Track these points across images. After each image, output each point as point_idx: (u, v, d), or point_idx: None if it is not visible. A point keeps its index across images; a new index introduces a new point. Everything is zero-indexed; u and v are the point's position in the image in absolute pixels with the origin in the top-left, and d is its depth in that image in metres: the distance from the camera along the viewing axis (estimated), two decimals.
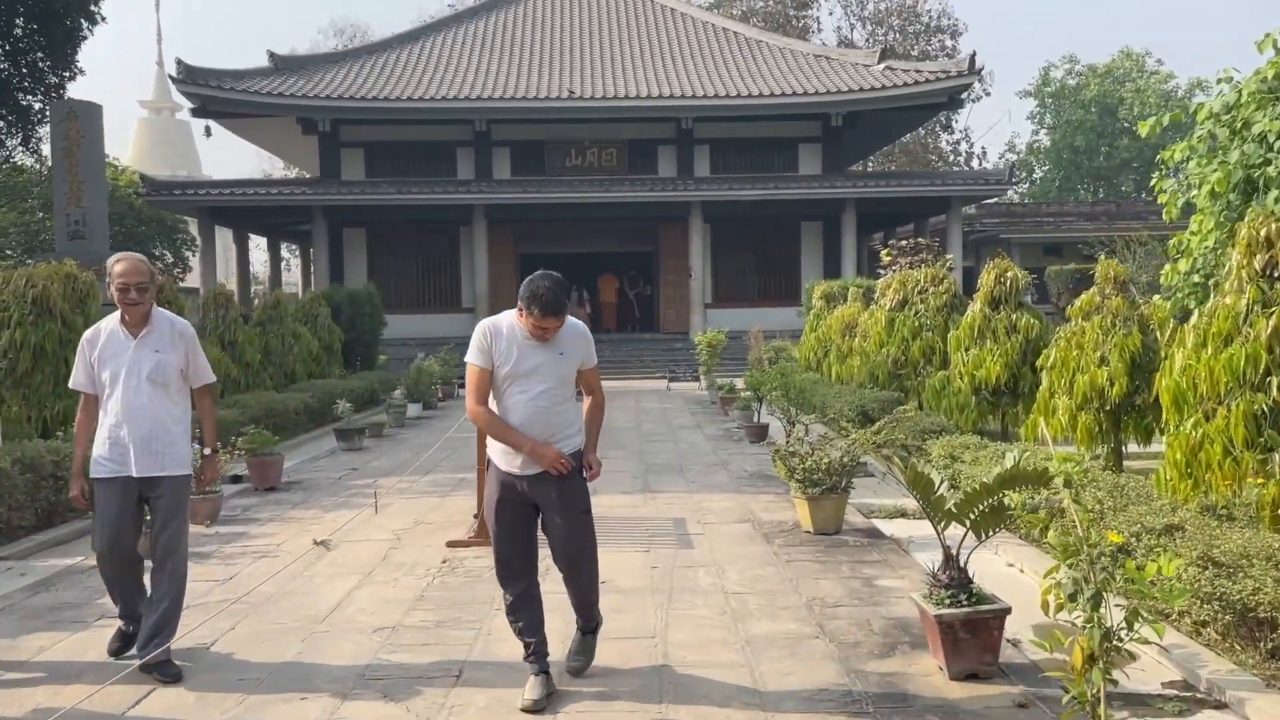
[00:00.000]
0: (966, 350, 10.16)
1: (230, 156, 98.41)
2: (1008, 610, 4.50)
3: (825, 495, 7.34)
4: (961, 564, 4.58)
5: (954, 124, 51.41)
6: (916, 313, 12.50)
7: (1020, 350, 9.80)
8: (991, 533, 4.57)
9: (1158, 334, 8.00)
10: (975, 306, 10.36)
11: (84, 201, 17.16)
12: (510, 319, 4.34)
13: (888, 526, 7.65)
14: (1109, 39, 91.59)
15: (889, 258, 22.76)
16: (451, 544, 7.14)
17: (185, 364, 4.82)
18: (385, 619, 5.50)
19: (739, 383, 18.75)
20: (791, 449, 7.64)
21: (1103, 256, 8.83)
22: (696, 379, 21.50)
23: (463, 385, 19.60)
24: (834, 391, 13.36)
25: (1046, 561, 6.06)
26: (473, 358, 4.30)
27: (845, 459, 7.41)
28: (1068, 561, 3.39)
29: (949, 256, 22.08)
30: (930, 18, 51.98)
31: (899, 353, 12.43)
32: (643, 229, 29.41)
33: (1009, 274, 10.34)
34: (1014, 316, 10.03)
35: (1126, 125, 50.00)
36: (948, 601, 4.47)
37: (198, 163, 72.15)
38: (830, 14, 51.15)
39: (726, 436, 13.24)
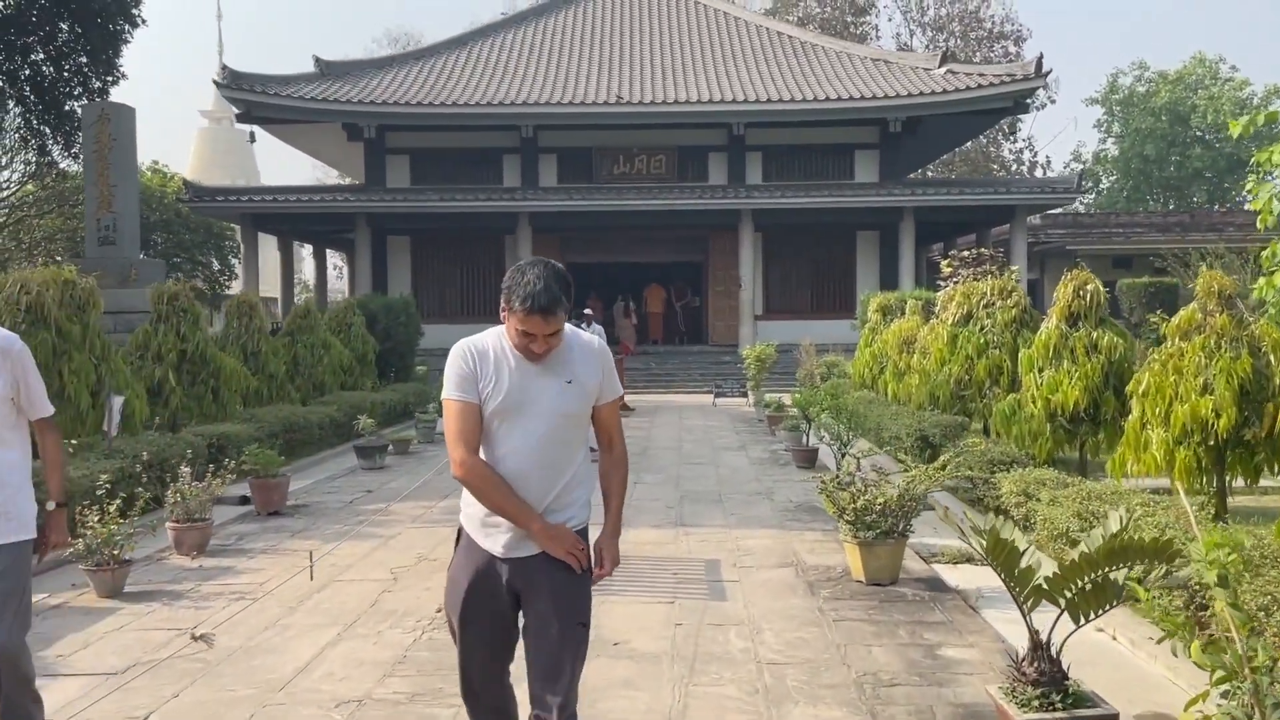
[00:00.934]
0: (1040, 371, 9.10)
1: (287, 166, 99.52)
2: (1115, 717, 3.53)
3: (880, 540, 6.37)
4: (1055, 653, 3.61)
5: (1016, 132, 49.89)
6: (982, 328, 11.43)
7: (1102, 373, 8.72)
8: (1093, 615, 3.60)
9: (1270, 357, 6.92)
10: (1050, 323, 9.30)
11: (115, 206, 16.77)
12: (498, 335, 3.14)
13: (952, 575, 6.66)
14: (1179, 45, 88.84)
15: (949, 269, 21.57)
16: None
17: (13, 390, 3.63)
18: (354, 688, 4.67)
19: (788, 399, 17.78)
20: (841, 482, 6.68)
21: (1203, 268, 7.72)
22: (744, 394, 20.55)
23: None
24: (890, 413, 12.35)
25: (1147, 628, 5.04)
26: (451, 390, 3.07)
27: (904, 498, 6.44)
28: (1222, 684, 2.44)
29: (1014, 268, 20.87)
30: (993, 23, 50.47)
31: (962, 372, 11.37)
32: (692, 238, 28.53)
33: (1089, 287, 9.26)
34: (1095, 335, 8.95)
35: (1199, 134, 48.05)
36: (1036, 703, 3.52)
37: (256, 172, 72.91)
38: (889, 20, 49.76)
39: (772, 460, 12.28)
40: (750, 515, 8.80)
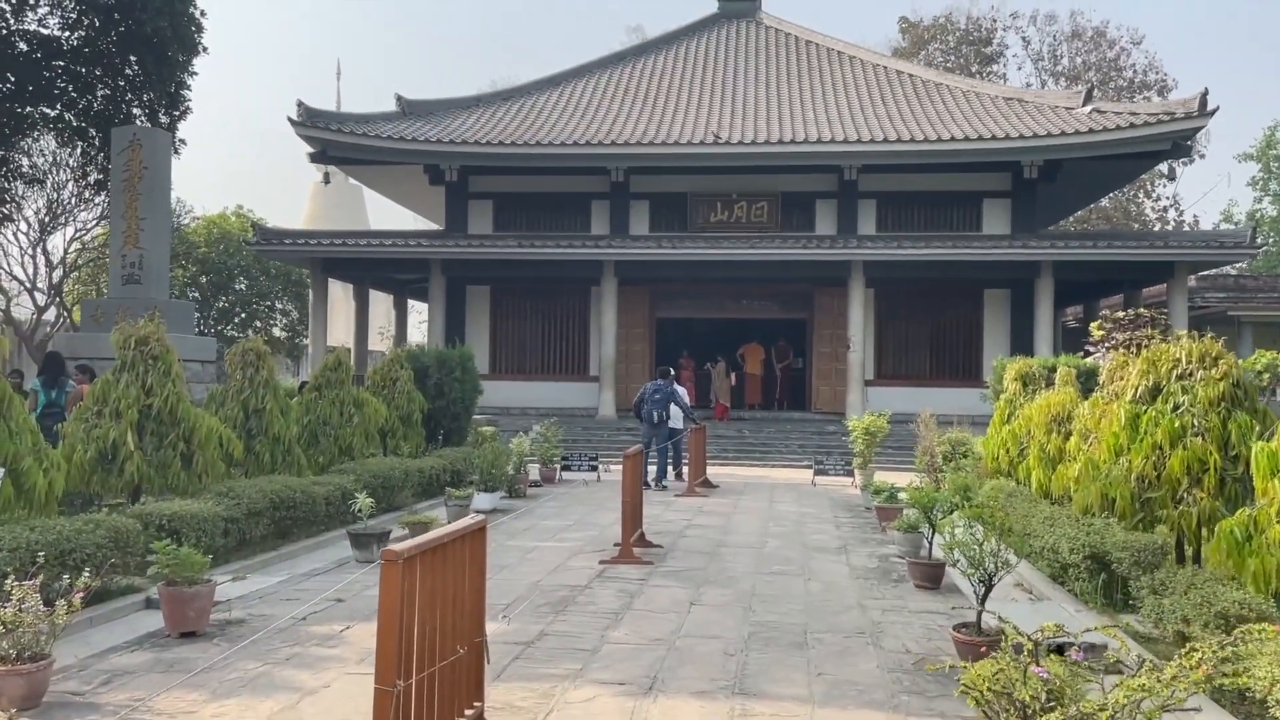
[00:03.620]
0: None
1: (399, 220, 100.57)
2: None
3: None
4: None
5: (1157, 188, 45.70)
6: (1176, 407, 8.38)
7: None
8: None
9: None
10: None
11: (142, 242, 15.07)
12: None
13: None
14: None
15: (1101, 333, 18.30)
16: None
17: None
18: None
19: (902, 484, 14.74)
20: (1003, 682, 3.84)
21: None
22: (849, 473, 17.54)
23: (569, 467, 16.30)
24: (1041, 515, 9.33)
25: None
26: None
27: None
28: None
29: (1180, 333, 17.46)
30: (1134, 72, 46.74)
31: (1148, 466, 8.31)
32: (795, 293, 25.77)
33: None
34: None
35: None
36: None
37: (367, 224, 73.44)
38: (1019, 69, 46.38)
39: (881, 573, 9.34)
40: (846, 678, 5.95)
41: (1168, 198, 46.60)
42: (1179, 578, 6.49)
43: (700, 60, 29.73)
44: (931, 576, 8.59)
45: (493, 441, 17.32)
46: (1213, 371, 8.48)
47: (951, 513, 8.98)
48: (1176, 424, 8.33)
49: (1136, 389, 8.82)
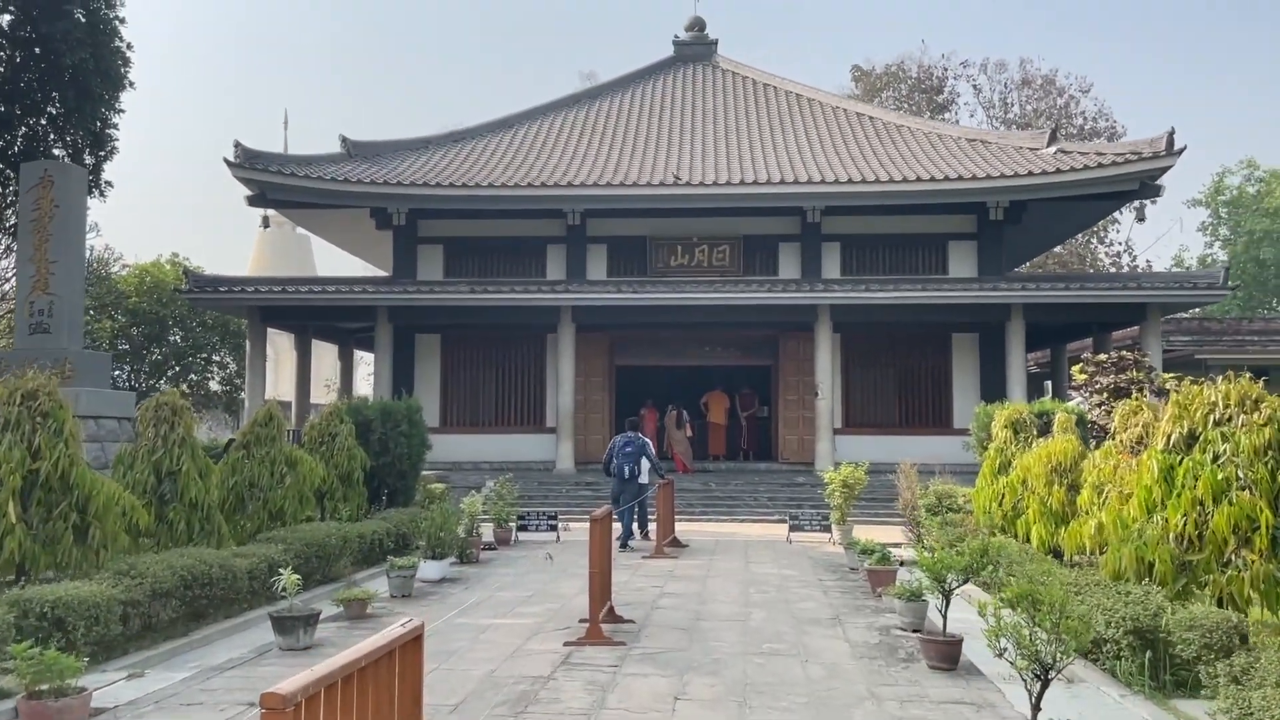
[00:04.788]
0: None
1: (347, 270, 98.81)
2: None
3: None
4: None
5: (1110, 234, 45.87)
6: (1217, 457, 7.43)
7: None
8: None
9: None
10: None
11: (52, 288, 13.67)
12: None
13: None
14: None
15: (1083, 376, 17.55)
16: None
17: None
18: None
19: (884, 539, 13.67)
20: None
21: None
22: (826, 528, 16.45)
23: (525, 528, 15.00)
24: (1059, 580, 8.28)
25: None
26: None
27: None
28: None
29: (1166, 376, 16.75)
30: (1085, 119, 47.07)
31: (1189, 525, 7.33)
32: (759, 339, 24.85)
33: None
34: None
35: None
36: None
37: (314, 273, 71.74)
38: (971, 116, 46.48)
39: (888, 651, 8.20)
40: None
41: (1120, 243, 46.84)
42: (1266, 664, 5.44)
43: (657, 103, 29.03)
44: (948, 656, 7.47)
45: (442, 501, 15.99)
46: (1255, 416, 7.55)
47: (966, 581, 7.92)
48: (1219, 476, 7.38)
49: (1169, 437, 7.86)
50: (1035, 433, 13.22)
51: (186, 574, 8.79)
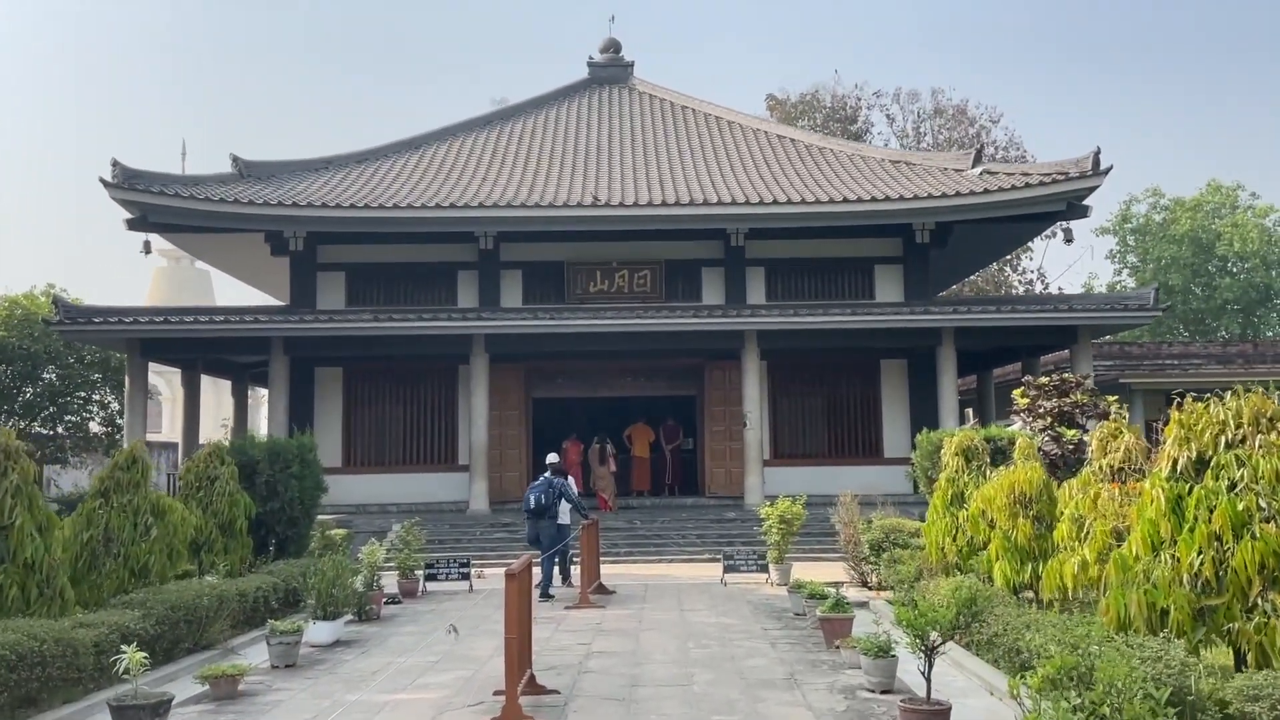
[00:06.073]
0: None
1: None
2: None
3: None
4: None
5: (1021, 261, 46.31)
6: (1233, 485, 6.45)
7: None
8: None
9: None
10: None
11: None
12: None
13: None
14: (1191, 172, 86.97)
15: (1026, 400, 16.78)
16: None
17: None
18: None
19: (823, 577, 12.58)
20: None
21: None
22: (763, 568, 15.28)
23: (434, 576, 13.52)
24: (1049, 628, 7.20)
25: None
26: None
27: None
28: None
29: (1111, 399, 16.11)
30: (995, 148, 47.60)
31: (1204, 564, 6.32)
32: (684, 369, 23.74)
33: None
34: None
35: (1223, 263, 44.54)
36: None
37: None
38: (885, 144, 46.45)
39: (858, 717, 6.98)
40: None
41: (1033, 270, 47.24)
42: None
43: (573, 124, 27.92)
44: None
45: (341, 549, 14.37)
46: (1272, 436, 6.59)
47: (952, 635, 6.78)
48: (1239, 506, 6.37)
49: (1175, 462, 6.85)
50: (988, 460, 12.30)
51: (10, 653, 7.15)
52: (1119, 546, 7.47)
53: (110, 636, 8.37)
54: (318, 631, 10.13)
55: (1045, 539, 9.98)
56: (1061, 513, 8.90)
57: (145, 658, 6.96)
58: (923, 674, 6.59)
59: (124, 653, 7.01)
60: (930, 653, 6.54)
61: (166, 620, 9.31)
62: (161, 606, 9.33)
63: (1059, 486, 10.79)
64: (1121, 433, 8.95)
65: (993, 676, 7.84)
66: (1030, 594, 10.50)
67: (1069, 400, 16.04)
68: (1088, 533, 8.24)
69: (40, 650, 7.48)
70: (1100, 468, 8.86)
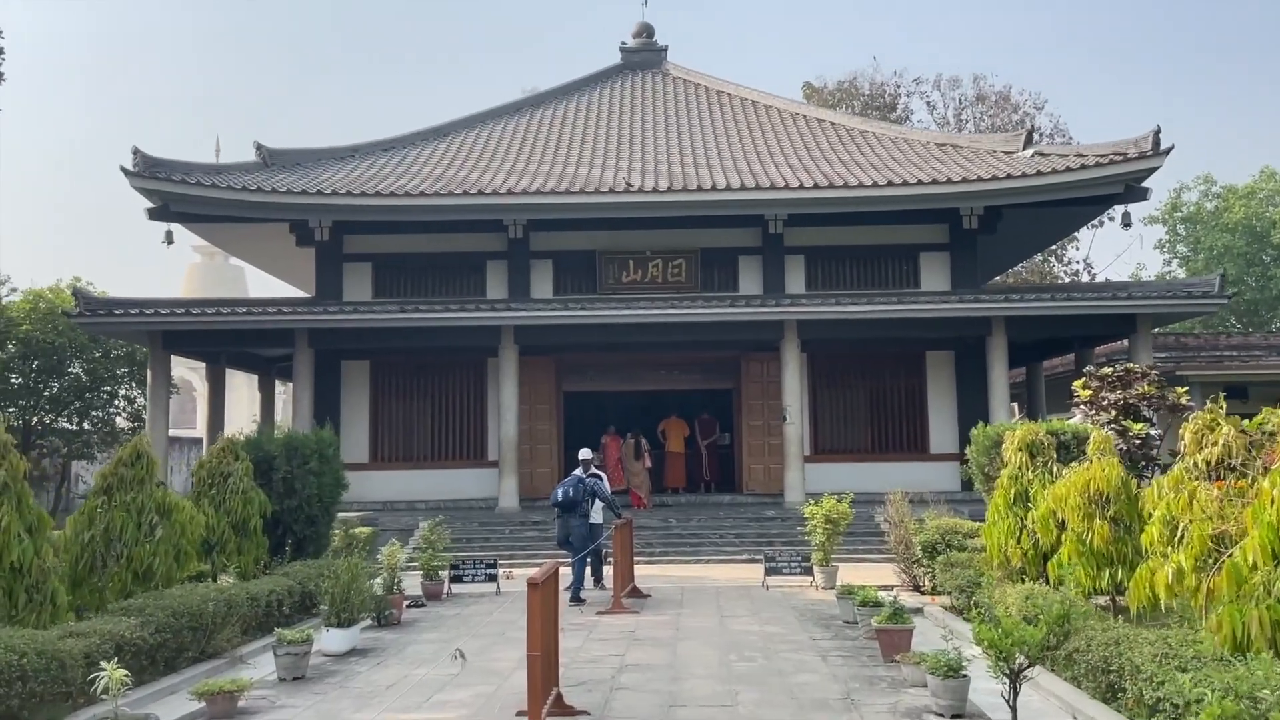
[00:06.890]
0: None
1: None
2: None
3: None
4: None
5: (1068, 251, 44.88)
6: None
7: None
8: None
9: None
10: None
11: None
12: None
13: None
14: (1246, 158, 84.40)
15: (1087, 392, 15.75)
16: None
17: None
18: None
19: (872, 580, 11.71)
20: None
21: None
22: (807, 570, 14.41)
23: (460, 578, 12.78)
24: (1155, 653, 6.29)
25: None
26: None
27: None
28: None
29: (1180, 390, 15.06)
30: (1040, 135, 46.17)
31: None
32: (720, 361, 22.88)
33: None
34: None
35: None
36: None
37: None
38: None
39: None
40: None
41: (1079, 261, 45.79)
42: None
43: (605, 110, 27.12)
44: None
45: (361, 549, 13.68)
46: None
47: (1041, 658, 5.89)
48: None
49: None
50: (1054, 456, 11.36)
51: None
52: (1222, 554, 6.57)
53: (103, 646, 7.70)
54: (331, 640, 9.43)
55: (1124, 542, 9.09)
56: (1147, 514, 7.96)
57: (127, 675, 6.25)
58: (1006, 701, 5.73)
59: (104, 670, 6.30)
60: (1015, 677, 5.68)
61: (168, 627, 8.63)
62: (162, 613, 8.65)
63: (1137, 485, 9.87)
64: (1219, 424, 8.00)
65: (1076, 699, 6.95)
66: (1103, 600, 9.60)
67: (1134, 392, 15.03)
68: (1182, 537, 7.31)
69: (20, 664, 6.80)
70: (1194, 464, 7.92)
